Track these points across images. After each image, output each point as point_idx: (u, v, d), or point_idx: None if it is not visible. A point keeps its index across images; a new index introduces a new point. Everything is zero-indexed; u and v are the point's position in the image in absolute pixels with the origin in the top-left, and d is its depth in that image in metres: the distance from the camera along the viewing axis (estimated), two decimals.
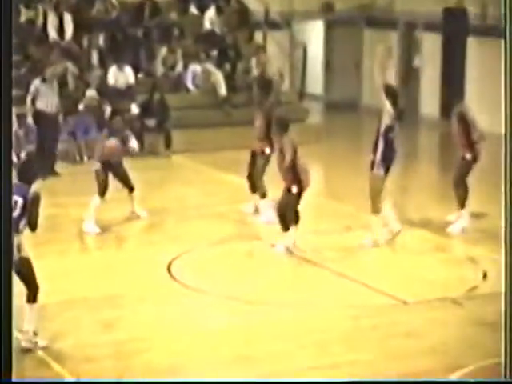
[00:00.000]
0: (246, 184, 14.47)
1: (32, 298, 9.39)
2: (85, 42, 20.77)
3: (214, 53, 21.58)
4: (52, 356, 9.11)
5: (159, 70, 21.01)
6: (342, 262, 12.38)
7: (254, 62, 21.76)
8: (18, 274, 9.01)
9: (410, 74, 22.90)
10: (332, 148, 19.77)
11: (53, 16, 20.30)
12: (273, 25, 22.90)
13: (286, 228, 12.60)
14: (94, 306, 10.70)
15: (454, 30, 21.37)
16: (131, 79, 20.13)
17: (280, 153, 12.59)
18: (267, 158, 14.26)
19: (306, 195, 12.61)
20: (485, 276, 11.79)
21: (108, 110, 19.00)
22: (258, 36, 22.83)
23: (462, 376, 8.94)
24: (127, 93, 19.89)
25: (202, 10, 22.42)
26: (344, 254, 12.77)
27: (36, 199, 9.28)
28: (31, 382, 8.42)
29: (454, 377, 8.93)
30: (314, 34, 24.45)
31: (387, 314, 10.75)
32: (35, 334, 9.35)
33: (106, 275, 11.91)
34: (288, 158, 12.32)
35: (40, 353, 9.13)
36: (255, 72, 21.60)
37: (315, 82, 24.15)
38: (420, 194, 16.78)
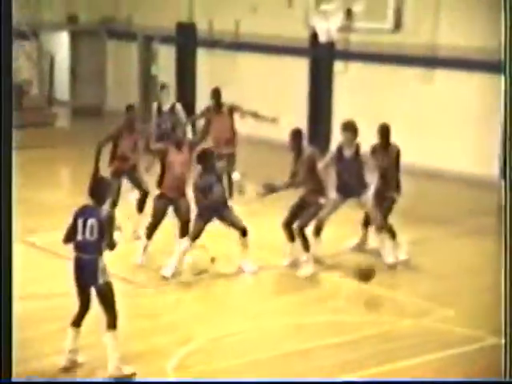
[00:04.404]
0: None
1: (113, 324, 8.49)
2: None
3: None
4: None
5: None
6: None
7: None
8: (102, 298, 8.48)
9: (148, 81, 23.34)
10: (80, 151, 19.44)
11: None
12: (21, 35, 22.45)
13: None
14: None
15: (186, 43, 22.06)
16: None
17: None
18: None
19: None
20: (213, 260, 12.19)
21: None
22: None
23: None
24: None
25: None
26: None
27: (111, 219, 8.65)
28: (31, 381, 7.95)
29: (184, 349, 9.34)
30: (60, 43, 24.41)
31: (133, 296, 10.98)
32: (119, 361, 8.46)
33: None
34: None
35: None
36: None
37: (62, 88, 24.16)
38: None
